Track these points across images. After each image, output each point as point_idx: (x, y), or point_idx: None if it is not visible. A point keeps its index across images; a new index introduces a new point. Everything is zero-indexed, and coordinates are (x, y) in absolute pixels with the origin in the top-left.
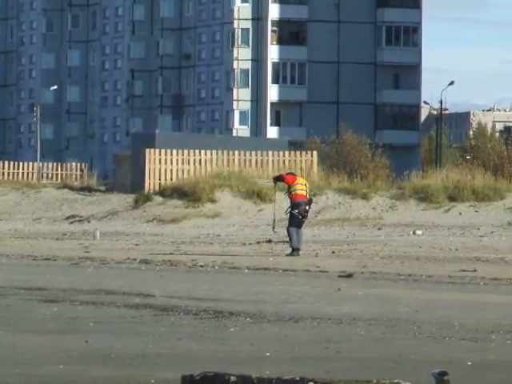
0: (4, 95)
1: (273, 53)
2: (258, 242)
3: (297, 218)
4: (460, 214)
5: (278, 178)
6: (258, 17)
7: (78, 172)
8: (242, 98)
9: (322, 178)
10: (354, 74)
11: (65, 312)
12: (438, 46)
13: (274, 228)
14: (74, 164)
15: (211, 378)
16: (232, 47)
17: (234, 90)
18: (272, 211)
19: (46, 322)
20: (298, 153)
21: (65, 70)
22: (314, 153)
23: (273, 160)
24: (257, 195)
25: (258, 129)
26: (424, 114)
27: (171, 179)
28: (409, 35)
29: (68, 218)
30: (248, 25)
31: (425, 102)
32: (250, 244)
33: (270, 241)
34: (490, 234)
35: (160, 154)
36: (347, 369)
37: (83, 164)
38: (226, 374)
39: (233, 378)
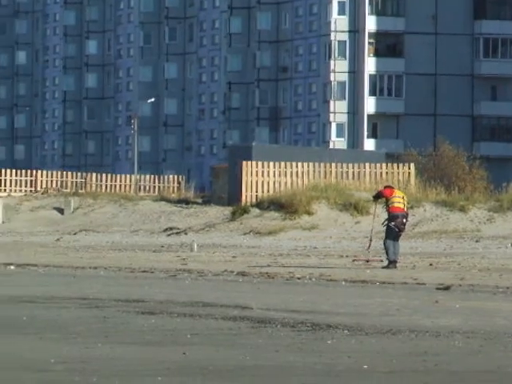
0: (102, 108)
1: (370, 65)
2: (354, 260)
3: (394, 231)
4: None
5: (377, 196)
6: (355, 29)
7: (175, 184)
8: (338, 110)
9: (420, 191)
10: (452, 86)
11: (162, 324)
12: None
13: (369, 248)
14: (171, 176)
15: None
16: (329, 59)
17: (331, 103)
18: (371, 227)
19: (144, 334)
20: (395, 165)
21: (162, 83)
22: (412, 165)
23: (370, 172)
24: (354, 207)
25: (354, 141)
26: None
27: (268, 191)
28: (507, 47)
29: (165, 230)
30: (345, 37)
31: None
32: (347, 256)
33: (367, 261)
34: None
35: (257, 167)
36: (445, 382)
37: (180, 176)
38: None
39: None
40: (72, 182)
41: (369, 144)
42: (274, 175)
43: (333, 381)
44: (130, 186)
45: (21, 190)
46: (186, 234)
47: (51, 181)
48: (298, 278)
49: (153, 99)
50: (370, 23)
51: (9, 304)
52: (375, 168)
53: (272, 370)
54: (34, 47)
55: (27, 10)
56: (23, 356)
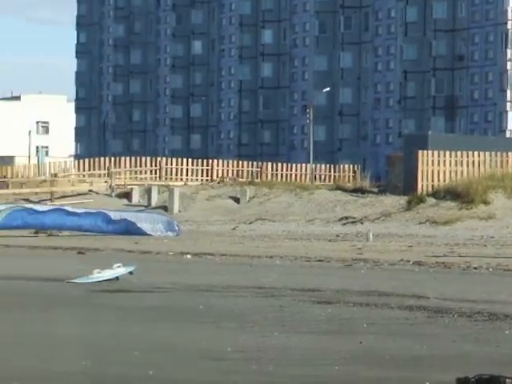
0: (277, 97)
1: None
2: None
3: None
4: None
5: None
6: None
7: (351, 174)
8: None
9: None
10: None
11: (338, 313)
12: None
13: None
14: (346, 166)
15: (486, 380)
16: (505, 48)
17: (508, 92)
18: None
19: (320, 323)
20: None
21: (337, 72)
22: None
23: None
24: None
25: None
26: None
27: (444, 181)
28: None
29: (341, 219)
30: None
31: None
32: None
33: None
34: None
35: (433, 156)
36: None
37: (355, 165)
38: (501, 377)
39: (508, 381)
40: (248, 172)
41: None
42: (450, 164)
43: (510, 371)
44: (306, 175)
45: (197, 180)
46: (361, 223)
47: (227, 170)
48: (475, 268)
49: (328, 88)
50: None
51: (186, 293)
52: None
53: (448, 361)
54: (210, 37)
55: (203, 0)
56: (200, 345)
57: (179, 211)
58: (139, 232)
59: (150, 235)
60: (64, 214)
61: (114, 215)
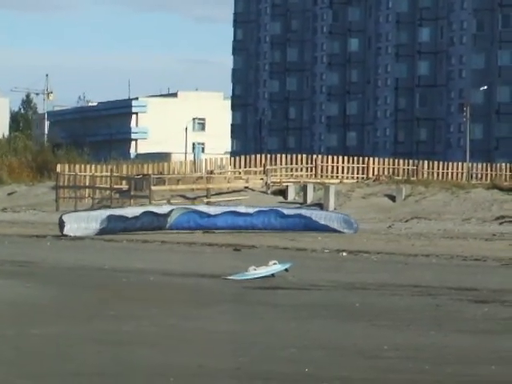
0: (434, 95)
1: None
2: None
3: None
4: None
5: None
6: None
7: (508, 172)
8: None
9: None
10: None
11: (495, 312)
12: None
13: None
14: (503, 164)
15: None
16: None
17: None
18: None
19: (477, 323)
20: None
21: (495, 70)
22: None
23: None
24: None
25: None
26: None
27: None
28: None
29: (497, 218)
30: None
31: None
32: None
33: None
34: None
35: None
36: None
37: None
38: None
39: None
40: (403, 170)
41: None
42: None
43: None
44: (462, 173)
45: (353, 177)
46: None
47: (383, 168)
48: None
49: (485, 87)
50: None
51: (341, 290)
52: None
53: None
54: (367, 34)
55: None
56: (356, 342)
57: (334, 209)
58: (317, 227)
59: (331, 230)
60: (236, 216)
61: (288, 211)
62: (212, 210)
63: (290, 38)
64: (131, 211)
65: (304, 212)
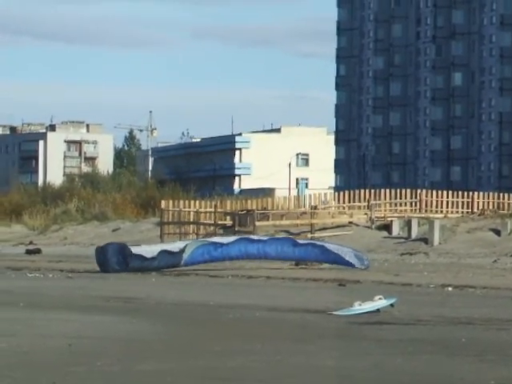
0: None
1: None
2: None
3: None
4: None
5: None
6: None
7: None
8: None
9: None
10: None
11: None
12: None
13: None
14: None
15: None
16: None
17: None
18: None
19: None
20: None
21: None
22: None
23: None
24: None
25: None
26: None
27: None
28: None
29: None
30: None
31: None
32: None
33: None
34: None
35: None
36: None
37: None
38: None
39: None
40: (508, 204)
41: None
42: None
43: None
44: None
45: (457, 212)
46: None
47: (487, 202)
48: None
49: None
50: None
51: (447, 325)
52: None
53: None
54: (470, 68)
55: (463, 31)
56: (464, 377)
57: (439, 243)
58: (329, 257)
59: (344, 263)
60: (249, 243)
61: (301, 240)
62: (225, 240)
63: (392, 72)
64: (150, 249)
65: (316, 242)
